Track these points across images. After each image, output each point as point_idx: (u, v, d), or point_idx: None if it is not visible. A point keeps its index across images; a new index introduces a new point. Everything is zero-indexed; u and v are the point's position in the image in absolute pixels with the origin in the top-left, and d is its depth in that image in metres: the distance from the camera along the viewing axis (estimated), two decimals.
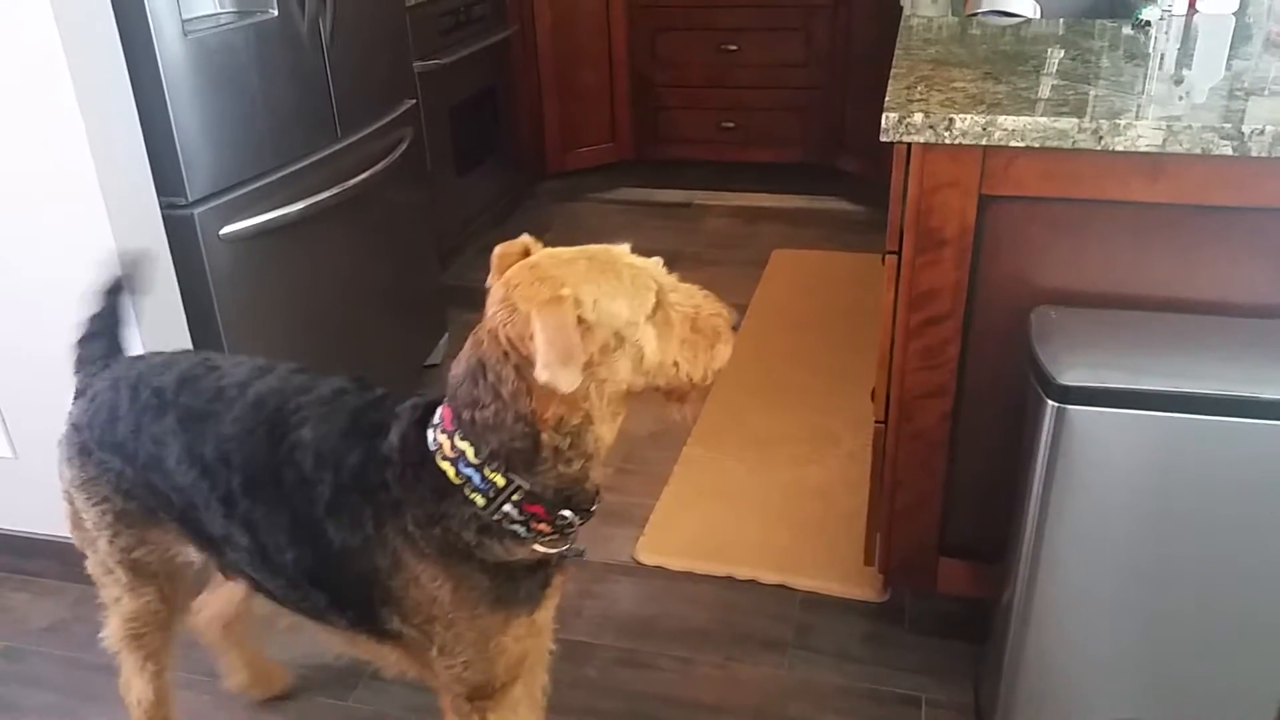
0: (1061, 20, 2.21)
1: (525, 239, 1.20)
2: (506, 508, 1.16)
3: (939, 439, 1.77)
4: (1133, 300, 1.60)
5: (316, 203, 2.19)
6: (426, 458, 1.18)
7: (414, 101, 2.74)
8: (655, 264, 1.19)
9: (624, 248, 1.19)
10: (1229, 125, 1.42)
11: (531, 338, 1.05)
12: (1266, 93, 1.58)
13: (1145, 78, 1.71)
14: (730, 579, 2.16)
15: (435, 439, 1.18)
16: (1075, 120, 1.48)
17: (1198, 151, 1.45)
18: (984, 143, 1.52)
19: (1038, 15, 2.24)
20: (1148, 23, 2.04)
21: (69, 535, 1.54)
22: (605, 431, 1.18)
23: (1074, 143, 1.49)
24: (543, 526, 1.18)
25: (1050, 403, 1.42)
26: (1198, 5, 2.09)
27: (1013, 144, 1.51)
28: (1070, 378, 1.41)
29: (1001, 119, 1.50)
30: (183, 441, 1.31)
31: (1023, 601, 1.59)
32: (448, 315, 3.00)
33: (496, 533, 1.18)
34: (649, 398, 1.23)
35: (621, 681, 1.90)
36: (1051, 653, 1.60)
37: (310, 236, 2.23)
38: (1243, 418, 1.36)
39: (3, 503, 2.21)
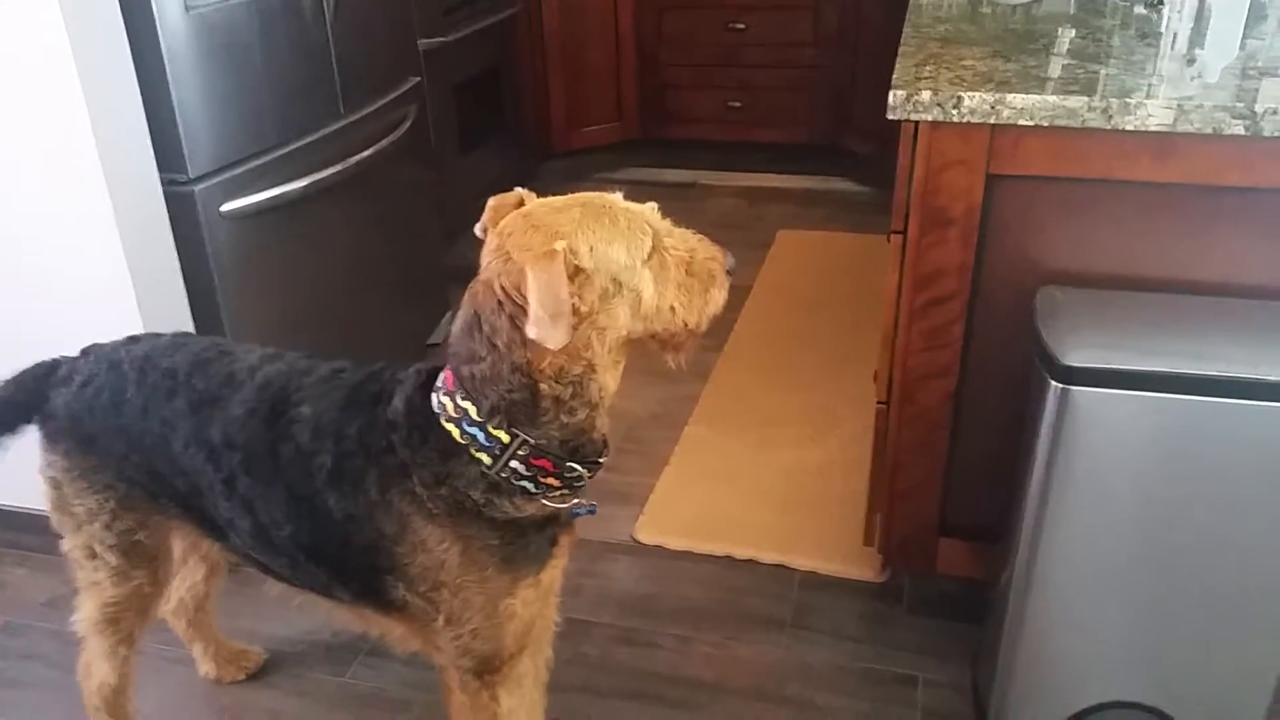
0: None
1: (519, 191, 1.20)
2: (514, 464, 1.16)
3: (941, 420, 1.77)
4: (1139, 281, 1.59)
5: (319, 180, 2.18)
6: (431, 420, 1.18)
7: (418, 79, 2.72)
8: (650, 209, 1.20)
9: (617, 195, 1.19)
10: (1241, 105, 1.40)
11: (524, 289, 1.05)
12: None
13: (1157, 57, 1.68)
14: (729, 559, 2.16)
15: (439, 401, 1.18)
16: (1085, 99, 1.46)
17: (1209, 131, 1.43)
18: (992, 121, 1.50)
19: None
20: (1160, 1, 2.02)
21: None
22: (609, 380, 1.18)
23: (1083, 122, 1.47)
24: (551, 480, 1.18)
25: (1054, 383, 1.41)
26: None
27: (1021, 122, 1.49)
28: (1075, 358, 1.40)
29: (1010, 97, 1.48)
30: (191, 425, 1.31)
31: (1022, 582, 1.58)
32: (450, 294, 2.99)
33: (505, 490, 1.18)
34: (645, 353, 1.23)
35: (620, 659, 1.91)
36: (1049, 634, 1.60)
37: (313, 214, 2.22)
38: (1248, 399, 1.35)
39: (1, 478, 2.21)
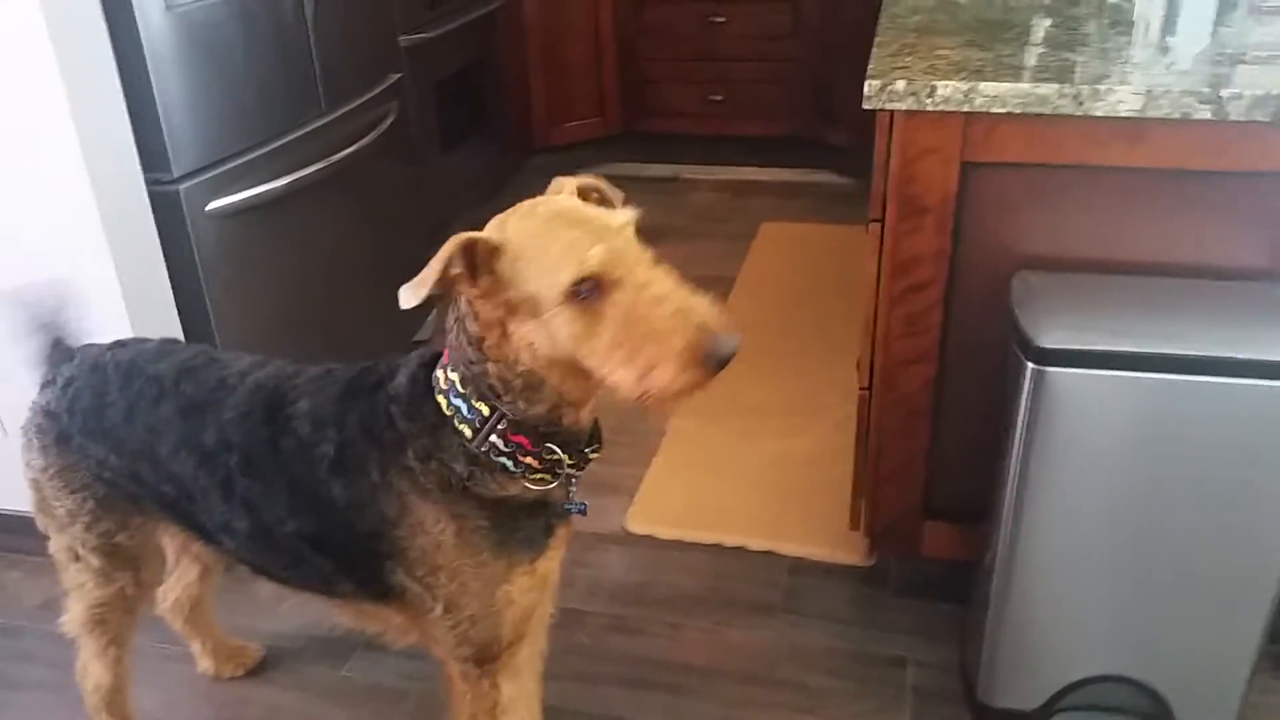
0: None
1: (576, 181, 1.18)
2: (493, 439, 1.17)
3: (922, 405, 1.80)
4: (1113, 265, 1.62)
5: (303, 177, 2.19)
6: (428, 393, 1.21)
7: (399, 75, 2.73)
8: (620, 243, 1.07)
9: (613, 214, 1.12)
10: (1208, 90, 1.44)
11: None
12: (1250, 59, 1.59)
13: (1129, 45, 1.72)
14: (719, 546, 2.19)
15: (435, 375, 1.21)
16: (1056, 86, 1.49)
17: (1177, 116, 1.46)
18: (965, 109, 1.53)
19: None
20: None
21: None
22: (570, 388, 1.14)
23: (1055, 108, 1.50)
24: (530, 460, 1.18)
25: (1030, 365, 1.45)
26: None
27: (994, 110, 1.52)
28: (1049, 340, 1.43)
29: (983, 85, 1.51)
30: (181, 431, 1.32)
31: (1005, 562, 1.61)
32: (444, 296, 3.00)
33: (486, 465, 1.19)
34: None
35: (613, 646, 1.94)
36: (1033, 612, 1.63)
37: (297, 211, 2.23)
38: (1219, 377, 1.39)
39: None
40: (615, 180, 1.25)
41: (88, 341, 1.51)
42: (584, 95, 4.28)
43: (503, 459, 1.18)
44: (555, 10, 4.08)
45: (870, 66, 1.62)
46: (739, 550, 2.17)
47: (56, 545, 1.52)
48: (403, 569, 1.27)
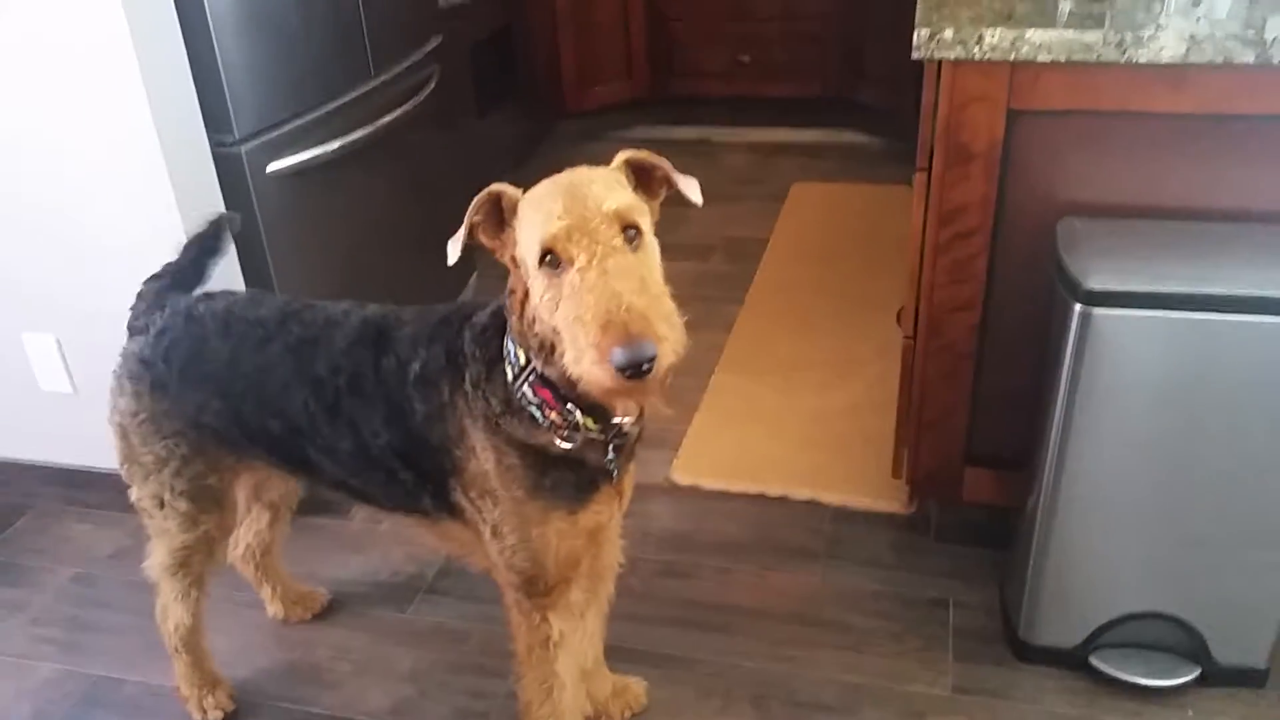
0: None
1: (628, 153, 1.20)
2: (525, 388, 1.23)
3: (967, 351, 1.84)
4: (1156, 210, 1.65)
5: (353, 140, 2.24)
6: (501, 331, 1.27)
7: (440, 38, 2.77)
8: (586, 222, 1.07)
9: (610, 192, 1.11)
10: (1251, 32, 1.46)
11: None
12: None
13: None
14: (763, 496, 2.25)
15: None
16: (1100, 33, 1.52)
17: (1220, 60, 1.49)
18: (1012, 57, 1.56)
19: None
20: None
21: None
22: (577, 371, 1.08)
23: (1099, 56, 1.53)
24: (554, 415, 1.23)
25: (1077, 306, 1.48)
26: None
27: (1040, 58, 1.55)
28: (1096, 281, 1.47)
29: (1029, 33, 1.54)
30: (292, 366, 1.40)
31: (1047, 504, 1.66)
32: (476, 255, 3.05)
33: (516, 410, 1.25)
34: None
35: (664, 589, 2.00)
36: (1075, 552, 1.68)
37: (347, 174, 2.29)
38: (1262, 316, 1.42)
39: (63, 438, 2.31)
40: (645, 144, 1.27)
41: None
42: (612, 59, 4.29)
43: (532, 408, 1.24)
44: None
45: (918, 17, 1.64)
46: (782, 500, 2.23)
47: (141, 493, 1.58)
48: (461, 487, 1.35)
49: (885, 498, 2.19)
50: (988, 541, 2.01)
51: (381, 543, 2.16)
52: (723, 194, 3.68)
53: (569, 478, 1.29)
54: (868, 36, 3.99)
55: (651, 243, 1.14)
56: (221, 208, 2.00)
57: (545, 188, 1.14)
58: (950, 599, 1.94)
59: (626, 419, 1.25)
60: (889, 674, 1.79)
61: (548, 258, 1.08)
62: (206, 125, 1.94)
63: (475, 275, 3.06)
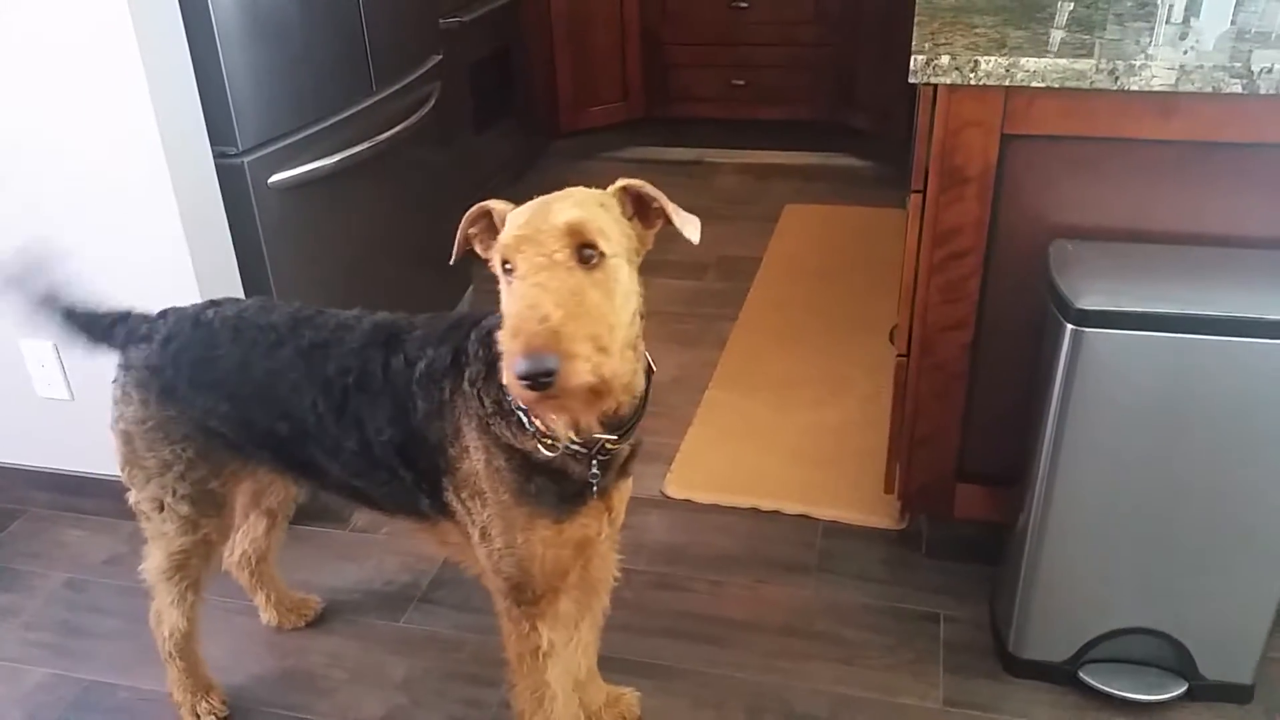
0: None
1: (623, 181, 1.22)
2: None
3: (959, 370, 1.87)
4: (1145, 234, 1.69)
5: (353, 155, 2.26)
6: None
7: (440, 57, 2.80)
8: (535, 234, 1.10)
9: (565, 209, 1.12)
10: (1239, 65, 1.51)
11: None
12: (1273, 40, 1.66)
13: (1156, 24, 1.79)
14: (755, 510, 2.27)
15: None
16: (1093, 61, 1.56)
17: (1209, 90, 1.54)
18: (1006, 83, 1.60)
19: None
20: None
21: (119, 473, 1.60)
22: (504, 378, 1.09)
23: (1091, 83, 1.57)
24: (539, 423, 1.25)
25: (1069, 326, 1.52)
26: None
27: (1034, 84, 1.59)
28: (1087, 302, 1.50)
29: (1023, 60, 1.58)
30: (303, 369, 1.42)
31: (1038, 520, 1.69)
32: (473, 270, 3.08)
33: (506, 413, 1.27)
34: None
35: (657, 601, 2.02)
36: (1064, 568, 1.71)
37: (347, 188, 2.31)
38: (1247, 337, 1.46)
39: (59, 443, 2.31)
40: (639, 164, 1.31)
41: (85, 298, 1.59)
42: (608, 80, 4.35)
43: (519, 413, 1.25)
44: None
45: (914, 43, 1.69)
46: (774, 514, 2.26)
47: (141, 496, 1.58)
48: (453, 487, 1.37)
49: (877, 513, 2.22)
50: (978, 557, 2.04)
51: (376, 552, 2.17)
52: (716, 214, 3.72)
53: (552, 487, 1.30)
54: (860, 62, 4.06)
55: (615, 266, 1.12)
56: (224, 217, 2.02)
57: (529, 203, 1.17)
58: (941, 613, 1.97)
59: (612, 445, 1.26)
60: (881, 686, 1.81)
61: (506, 265, 1.12)
62: (210, 136, 1.96)
63: (471, 289, 3.08)
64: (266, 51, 2.03)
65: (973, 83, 1.61)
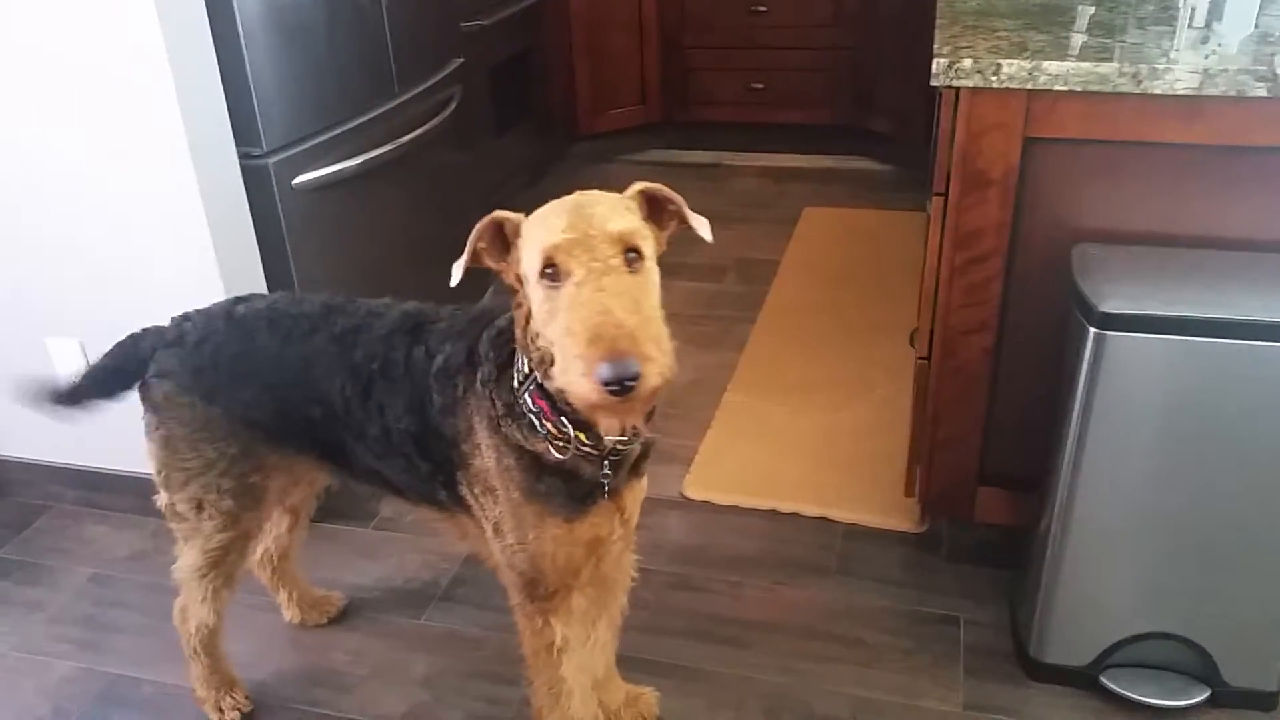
0: None
1: (642, 185, 1.23)
2: (526, 395, 1.27)
3: (980, 373, 1.87)
4: (1168, 238, 1.69)
5: (376, 156, 2.29)
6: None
7: (462, 60, 2.82)
8: (588, 238, 1.10)
9: (613, 213, 1.13)
10: (1263, 68, 1.51)
11: None
12: None
13: (1178, 28, 1.78)
14: (774, 512, 2.27)
15: None
16: (1115, 65, 1.56)
17: (1233, 94, 1.53)
18: (1029, 87, 1.60)
19: None
20: None
21: (144, 471, 1.62)
22: (563, 382, 1.09)
23: (1114, 87, 1.57)
24: (549, 425, 1.26)
25: (1092, 330, 1.52)
26: None
27: (1056, 88, 1.59)
28: (1111, 305, 1.50)
29: (1046, 64, 1.58)
30: (335, 353, 1.45)
31: (1059, 524, 1.69)
32: (490, 272, 3.10)
33: (517, 415, 1.28)
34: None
35: (676, 602, 2.02)
36: (1086, 572, 1.70)
37: (369, 190, 2.34)
38: (1272, 342, 1.45)
39: (83, 440, 2.33)
40: (657, 167, 1.31)
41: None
42: (627, 83, 4.36)
43: (530, 415, 1.27)
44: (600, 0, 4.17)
45: (936, 47, 1.69)
46: (793, 516, 2.26)
47: (178, 497, 1.58)
48: (467, 482, 1.39)
49: (896, 516, 2.22)
50: (999, 561, 2.03)
51: (397, 550, 2.19)
52: (735, 217, 3.73)
53: (562, 486, 1.31)
54: (879, 66, 4.06)
55: (651, 268, 1.15)
56: (249, 218, 2.04)
57: (551, 206, 1.17)
58: (961, 617, 1.96)
59: (613, 436, 1.26)
60: (900, 689, 1.81)
61: (548, 270, 1.11)
62: (235, 137, 1.98)
63: (491, 290, 3.10)
64: (291, 54, 2.05)
65: (995, 86, 1.61)
